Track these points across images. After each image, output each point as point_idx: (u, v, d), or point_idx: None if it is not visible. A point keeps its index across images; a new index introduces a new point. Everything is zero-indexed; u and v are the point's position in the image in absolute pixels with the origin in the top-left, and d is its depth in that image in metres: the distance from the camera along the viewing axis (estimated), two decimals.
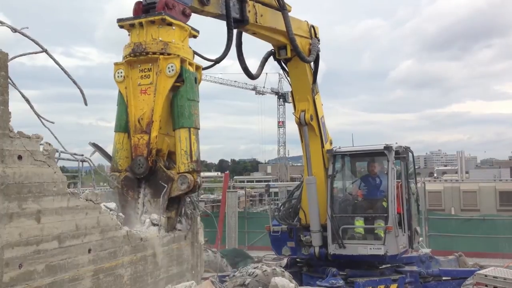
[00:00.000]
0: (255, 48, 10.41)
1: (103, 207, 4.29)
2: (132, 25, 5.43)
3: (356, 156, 10.64)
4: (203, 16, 6.57)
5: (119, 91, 5.44)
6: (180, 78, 5.31)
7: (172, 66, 5.21)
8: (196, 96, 5.47)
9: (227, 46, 6.58)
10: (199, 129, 5.46)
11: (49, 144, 3.66)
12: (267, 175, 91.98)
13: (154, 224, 4.97)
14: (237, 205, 21.71)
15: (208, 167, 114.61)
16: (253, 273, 7.59)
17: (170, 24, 5.36)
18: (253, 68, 8.58)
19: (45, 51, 4.15)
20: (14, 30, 3.92)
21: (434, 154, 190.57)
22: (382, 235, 9.34)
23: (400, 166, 10.08)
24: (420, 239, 11.46)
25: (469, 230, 18.40)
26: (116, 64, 5.47)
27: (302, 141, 10.15)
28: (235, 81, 74.63)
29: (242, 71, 8.26)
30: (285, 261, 11.12)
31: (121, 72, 5.39)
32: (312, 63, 9.96)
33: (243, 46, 8.32)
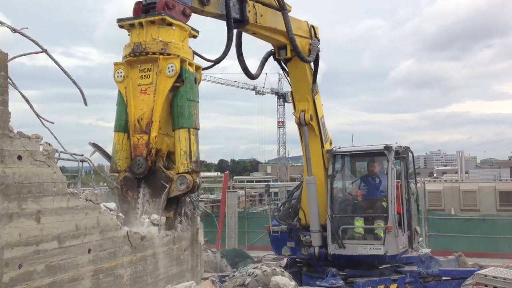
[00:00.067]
0: (255, 48, 10.42)
1: (103, 207, 4.29)
2: (132, 25, 5.43)
3: (356, 156, 10.64)
4: (203, 16, 6.57)
5: (119, 91, 5.43)
6: (180, 78, 5.31)
7: (172, 66, 5.21)
8: (196, 97, 5.47)
9: (227, 46, 6.58)
10: (198, 129, 5.46)
11: (49, 144, 3.66)
12: (267, 175, 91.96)
13: (154, 224, 4.96)
14: (237, 205, 21.70)
15: (208, 167, 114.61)
16: (252, 273, 7.59)
17: (170, 24, 5.36)
18: (253, 68, 8.59)
19: (45, 51, 4.15)
20: (14, 30, 3.92)
21: (434, 154, 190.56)
22: (382, 235, 9.35)
23: (400, 166, 10.08)
24: (420, 239, 11.45)
25: (469, 230, 18.40)
26: (115, 64, 5.47)
27: (302, 141, 10.15)
28: (235, 81, 74.64)
29: (242, 71, 8.26)
30: (284, 261, 11.12)
31: (121, 72, 5.39)
32: (312, 63, 9.97)
33: (243, 46, 8.32)
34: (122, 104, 5.39)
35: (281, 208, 11.15)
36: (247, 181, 69.53)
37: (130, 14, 5.57)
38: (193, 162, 5.25)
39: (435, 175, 63.10)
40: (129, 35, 5.52)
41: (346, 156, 10.54)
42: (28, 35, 3.99)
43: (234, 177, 67.52)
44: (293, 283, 6.66)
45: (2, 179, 3.15)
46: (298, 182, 13.57)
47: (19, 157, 3.33)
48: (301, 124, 9.91)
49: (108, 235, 4.13)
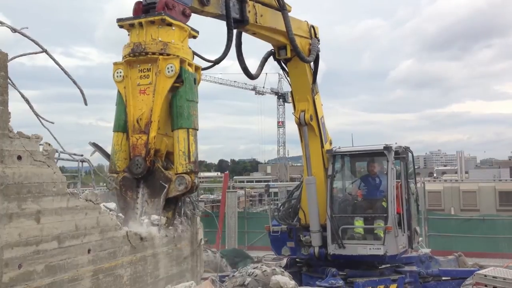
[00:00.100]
0: (255, 48, 10.42)
1: (102, 207, 4.30)
2: (132, 25, 5.43)
3: (356, 156, 10.64)
4: (203, 16, 6.57)
5: (118, 91, 5.44)
6: (179, 78, 5.32)
7: (171, 67, 5.21)
8: (195, 97, 5.47)
9: (227, 47, 6.59)
10: (197, 130, 5.46)
11: (49, 144, 3.66)
12: (266, 175, 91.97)
13: (153, 225, 4.96)
14: (236, 205, 21.69)
15: (207, 167, 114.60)
16: (252, 273, 7.59)
17: (169, 25, 5.36)
18: (252, 68, 8.59)
19: (45, 51, 4.15)
20: (14, 30, 3.92)
21: (434, 154, 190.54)
22: (382, 235, 9.35)
23: (400, 166, 10.09)
24: (420, 239, 11.45)
25: (469, 230, 18.40)
26: (115, 64, 5.47)
27: (301, 141, 10.15)
28: (234, 81, 74.57)
29: (241, 71, 8.27)
30: (284, 261, 11.12)
31: (120, 72, 5.39)
32: (312, 63, 9.97)
33: (243, 46, 8.33)
34: (121, 104, 5.39)
35: (281, 208, 11.15)
36: (247, 181, 69.55)
37: (130, 14, 5.57)
38: (192, 162, 5.25)
39: (435, 175, 63.13)
40: (128, 35, 5.52)
41: (346, 156, 10.54)
42: (28, 35, 3.99)
43: (234, 177, 67.56)
44: (293, 282, 6.67)
45: (2, 179, 3.15)
46: (298, 182, 13.57)
47: (19, 157, 3.33)
48: (301, 124, 9.91)
49: (108, 235, 4.13)
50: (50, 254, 3.49)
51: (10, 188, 3.20)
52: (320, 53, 9.98)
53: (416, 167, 13.72)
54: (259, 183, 56.51)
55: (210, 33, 9.56)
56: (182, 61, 5.34)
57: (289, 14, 8.56)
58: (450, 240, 17.98)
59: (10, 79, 3.38)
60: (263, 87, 76.12)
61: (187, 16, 5.68)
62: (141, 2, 5.58)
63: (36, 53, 4.17)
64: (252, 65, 8.61)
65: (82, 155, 5.20)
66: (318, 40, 10.08)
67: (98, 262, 3.97)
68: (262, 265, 8.25)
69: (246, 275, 7.60)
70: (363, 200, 10.12)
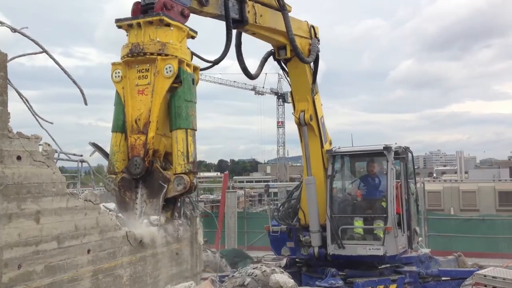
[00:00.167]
0: (255, 48, 10.42)
1: (102, 207, 4.30)
2: (130, 26, 5.43)
3: (356, 156, 10.65)
4: (202, 17, 6.57)
5: (116, 91, 5.44)
6: (178, 79, 5.32)
7: (170, 67, 5.21)
8: (194, 97, 5.48)
9: (226, 47, 6.59)
10: (196, 130, 5.47)
11: (48, 145, 3.66)
12: (266, 175, 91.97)
13: (153, 225, 4.97)
14: (236, 205, 21.68)
15: (207, 167, 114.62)
16: (252, 273, 7.58)
17: (168, 25, 5.35)
18: (252, 68, 8.59)
19: (45, 51, 4.16)
20: (14, 30, 3.92)
21: (434, 154, 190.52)
22: (381, 235, 9.35)
23: (400, 166, 10.09)
24: (420, 239, 11.46)
25: (469, 230, 18.39)
26: (113, 64, 5.47)
27: (301, 141, 10.15)
28: (234, 81, 74.47)
29: (241, 71, 8.26)
30: (284, 261, 11.10)
31: (119, 72, 5.39)
32: (312, 63, 9.96)
33: (242, 46, 8.32)
34: (120, 105, 5.39)
35: (280, 208, 11.15)
36: (247, 181, 69.53)
37: (130, 14, 5.57)
38: (190, 162, 5.25)
39: (434, 175, 63.15)
40: (127, 35, 5.52)
41: (346, 156, 10.54)
42: (28, 35, 3.99)
43: (234, 177, 67.51)
44: (292, 281, 6.67)
45: (2, 180, 3.15)
46: (298, 182, 13.57)
47: (19, 158, 3.33)
48: (300, 124, 9.91)
49: (108, 236, 4.13)
50: (50, 255, 3.49)
51: (9, 188, 3.20)
52: (320, 53, 9.98)
53: (415, 167, 13.73)
54: (259, 183, 56.51)
55: (209, 33, 9.57)
56: (180, 62, 5.34)
57: (289, 14, 8.55)
58: (449, 240, 17.97)
59: (9, 80, 3.38)
60: (263, 87, 76.08)
61: (185, 17, 5.68)
62: (139, 2, 5.57)
63: (35, 53, 4.18)
64: (252, 65, 8.62)
65: (81, 155, 5.21)
66: (318, 40, 10.08)
67: (97, 262, 3.97)
68: (261, 265, 8.23)
69: (245, 275, 7.59)
70: (363, 200, 10.12)
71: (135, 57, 5.30)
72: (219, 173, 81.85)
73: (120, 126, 5.35)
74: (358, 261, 9.78)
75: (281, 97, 76.64)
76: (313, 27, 10.02)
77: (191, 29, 5.72)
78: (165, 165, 5.41)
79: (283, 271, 7.87)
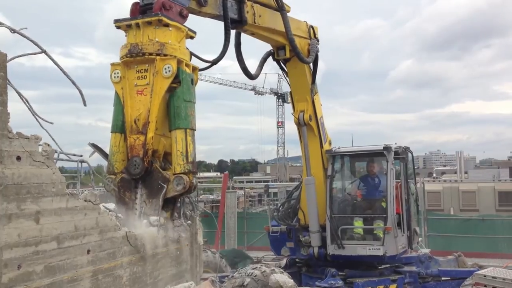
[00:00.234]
0: (254, 48, 10.42)
1: (102, 207, 4.30)
2: (129, 26, 5.43)
3: (355, 156, 10.64)
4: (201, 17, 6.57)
5: (116, 92, 5.44)
6: (177, 79, 5.32)
7: (168, 67, 5.22)
8: (193, 98, 5.48)
9: (224, 47, 6.59)
10: (195, 130, 5.48)
11: (48, 145, 3.66)
12: (266, 175, 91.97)
13: (152, 225, 4.97)
14: (236, 205, 21.67)
15: (207, 167, 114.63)
16: (252, 273, 7.57)
17: (166, 25, 5.36)
18: (252, 68, 8.59)
19: (44, 52, 4.16)
20: (13, 31, 3.92)
21: (433, 154, 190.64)
22: (381, 235, 9.35)
23: (399, 166, 10.09)
24: (419, 239, 11.45)
25: (468, 230, 18.39)
26: (112, 64, 5.48)
27: (301, 142, 10.15)
28: (234, 82, 74.49)
29: (241, 71, 8.27)
30: (284, 261, 11.11)
31: (118, 73, 5.40)
32: (311, 64, 9.96)
33: (242, 46, 8.32)
34: (119, 105, 5.40)
35: (280, 208, 11.14)
36: (247, 181, 69.52)
37: (129, 14, 5.57)
38: (190, 162, 5.26)
39: (434, 175, 63.13)
40: (126, 36, 5.52)
41: (346, 157, 10.54)
42: (27, 35, 3.99)
43: (234, 177, 67.48)
44: (292, 281, 6.67)
45: (1, 180, 3.15)
46: (298, 183, 13.57)
47: (18, 158, 3.33)
48: (300, 124, 9.91)
49: (107, 236, 4.13)
50: (50, 255, 3.49)
51: (9, 188, 3.20)
52: (319, 53, 9.98)
53: (415, 167, 13.73)
54: (259, 183, 56.49)
55: (208, 32, 9.55)
56: (179, 62, 5.34)
57: (288, 14, 8.55)
58: (449, 240, 17.97)
59: (8, 80, 3.38)
60: (263, 87, 76.09)
61: (184, 17, 5.68)
62: (138, 3, 5.57)
63: (35, 53, 4.18)
64: (252, 65, 8.62)
65: (81, 156, 5.21)
66: (318, 40, 10.07)
67: (97, 262, 3.97)
68: (261, 265, 8.23)
69: (245, 276, 7.58)
70: (363, 201, 10.12)
71: (134, 58, 5.31)
72: (219, 173, 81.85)
73: (120, 127, 5.35)
74: (358, 261, 9.78)
75: (281, 97, 76.63)
76: (312, 27, 10.02)
77: (190, 29, 5.72)
78: (164, 165, 5.42)
79: (283, 271, 7.86)
